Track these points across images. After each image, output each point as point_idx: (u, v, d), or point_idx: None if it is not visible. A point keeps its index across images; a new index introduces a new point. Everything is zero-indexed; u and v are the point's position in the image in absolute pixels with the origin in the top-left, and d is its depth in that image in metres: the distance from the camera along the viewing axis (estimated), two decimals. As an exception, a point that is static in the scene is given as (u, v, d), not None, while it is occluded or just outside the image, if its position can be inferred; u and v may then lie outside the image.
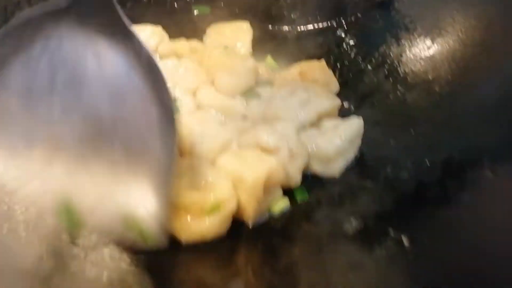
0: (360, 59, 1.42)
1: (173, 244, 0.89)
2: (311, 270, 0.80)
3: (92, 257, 0.80)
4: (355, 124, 1.10)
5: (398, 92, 1.29)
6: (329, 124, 1.12)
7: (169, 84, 1.10)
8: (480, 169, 0.95)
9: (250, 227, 0.96)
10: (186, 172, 0.94)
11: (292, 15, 1.55)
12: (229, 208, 0.90)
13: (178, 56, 1.28)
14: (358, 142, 1.13)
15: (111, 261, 0.81)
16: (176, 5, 1.56)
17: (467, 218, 0.82)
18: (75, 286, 0.75)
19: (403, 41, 1.36)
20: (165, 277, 0.82)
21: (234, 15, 1.53)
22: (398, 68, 1.34)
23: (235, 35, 1.38)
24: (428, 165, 1.04)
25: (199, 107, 1.16)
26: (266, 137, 1.01)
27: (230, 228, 0.94)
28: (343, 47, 1.46)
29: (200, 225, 0.88)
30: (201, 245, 0.90)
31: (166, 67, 1.21)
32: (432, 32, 1.31)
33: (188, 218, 0.88)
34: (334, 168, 1.08)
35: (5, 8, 1.19)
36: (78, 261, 0.79)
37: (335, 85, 1.33)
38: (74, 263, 0.78)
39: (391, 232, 0.85)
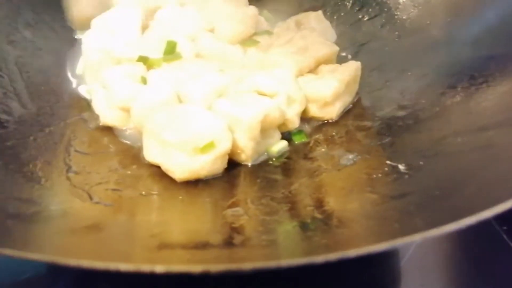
0: (356, 9, 1.40)
1: (169, 183, 0.90)
2: (309, 197, 0.81)
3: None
4: (352, 66, 1.10)
5: (395, 39, 1.29)
6: (326, 68, 1.12)
7: (170, 29, 1.12)
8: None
9: (249, 166, 0.97)
10: (182, 116, 0.94)
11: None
12: (223, 146, 0.91)
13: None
14: (355, 86, 1.13)
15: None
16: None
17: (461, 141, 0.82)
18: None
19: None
20: (164, 210, 0.83)
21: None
22: (395, 16, 1.33)
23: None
24: (425, 102, 1.04)
25: (198, 54, 1.15)
26: (264, 81, 1.01)
27: (229, 168, 0.95)
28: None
29: (194, 162, 0.89)
30: (196, 183, 0.91)
31: (166, 12, 1.19)
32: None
33: (183, 156, 0.89)
34: (332, 111, 1.08)
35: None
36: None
37: (332, 35, 1.31)
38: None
39: (388, 162, 0.86)
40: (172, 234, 0.72)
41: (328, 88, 1.04)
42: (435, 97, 1.03)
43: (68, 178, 0.83)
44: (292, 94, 1.01)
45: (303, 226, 0.70)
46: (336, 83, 1.04)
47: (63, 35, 1.26)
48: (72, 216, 0.72)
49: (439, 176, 0.75)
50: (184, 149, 0.88)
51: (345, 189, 0.83)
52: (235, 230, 0.71)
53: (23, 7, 1.21)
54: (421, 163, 0.81)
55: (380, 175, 0.83)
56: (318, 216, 0.72)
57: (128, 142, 1.02)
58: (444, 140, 0.85)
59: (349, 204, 0.75)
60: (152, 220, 0.79)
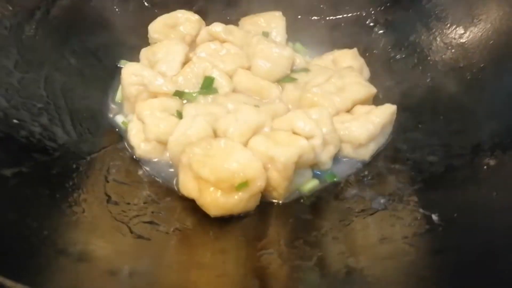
0: (390, 48, 1.42)
1: (202, 217, 0.92)
2: (342, 243, 0.82)
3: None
4: (388, 110, 1.11)
5: (427, 80, 1.29)
6: (362, 109, 1.13)
7: (209, 65, 1.16)
8: (508, 152, 0.94)
9: (280, 204, 0.99)
10: (219, 153, 0.97)
11: (321, 5, 1.56)
12: (257, 185, 0.93)
13: (217, 40, 1.31)
14: (389, 128, 1.14)
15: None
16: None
17: (496, 200, 0.82)
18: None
19: (434, 30, 1.35)
20: (197, 246, 0.85)
21: (264, 6, 1.55)
22: (428, 57, 1.33)
23: (268, 24, 1.40)
24: (457, 149, 1.04)
25: (235, 90, 1.19)
26: (302, 123, 1.02)
27: (260, 205, 0.97)
28: (372, 36, 1.47)
29: (229, 200, 0.91)
30: (229, 219, 0.93)
31: (207, 49, 1.24)
32: (465, 20, 1.30)
33: (218, 193, 0.91)
34: (365, 152, 1.09)
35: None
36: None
37: (367, 73, 1.34)
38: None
39: (420, 209, 0.86)
40: (204, 274, 0.74)
41: (364, 131, 1.06)
42: (468, 145, 1.03)
43: (109, 210, 0.86)
44: (328, 136, 1.02)
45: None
46: (372, 126, 1.06)
47: (106, 63, 1.31)
48: (115, 254, 0.74)
49: (476, 233, 0.75)
50: (220, 186, 0.91)
51: (378, 237, 0.83)
52: (270, 276, 0.72)
53: (70, 35, 1.26)
54: (455, 215, 0.81)
55: (413, 223, 0.83)
56: (352, 266, 0.72)
57: (163, 174, 1.05)
58: (479, 193, 0.85)
59: (383, 255, 0.75)
60: (186, 258, 0.81)
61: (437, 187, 0.93)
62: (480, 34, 1.28)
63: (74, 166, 0.96)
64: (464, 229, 0.77)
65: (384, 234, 0.83)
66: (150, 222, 0.87)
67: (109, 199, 0.89)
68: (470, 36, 1.28)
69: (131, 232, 0.82)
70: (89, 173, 0.96)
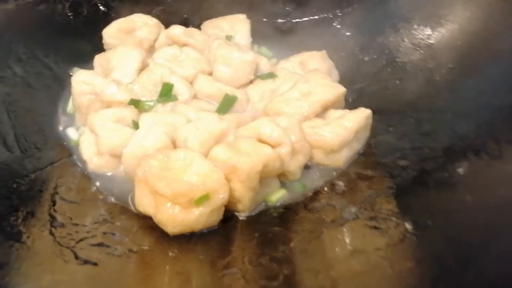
0: (358, 50, 1.38)
1: (161, 236, 0.84)
2: (311, 257, 0.76)
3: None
4: (361, 114, 1.05)
5: (397, 81, 1.26)
6: (335, 114, 1.07)
7: (167, 71, 1.08)
8: (481, 154, 0.91)
9: (245, 217, 0.92)
10: (177, 165, 0.89)
11: (287, 8, 1.52)
12: (219, 198, 0.85)
13: (176, 44, 1.24)
14: (365, 133, 1.09)
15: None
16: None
17: (471, 205, 0.77)
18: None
19: (401, 30, 1.32)
20: (154, 269, 0.77)
21: (228, 8, 1.50)
22: (397, 58, 1.30)
23: (232, 28, 1.34)
24: (429, 152, 1.00)
25: (196, 96, 1.12)
26: (269, 129, 0.95)
27: (224, 220, 0.89)
28: (339, 38, 1.43)
29: (189, 216, 0.83)
30: (190, 237, 0.85)
31: (165, 54, 1.16)
32: (432, 20, 1.27)
33: (176, 209, 0.83)
34: (338, 159, 1.03)
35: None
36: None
37: (336, 76, 1.29)
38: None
39: (393, 218, 0.81)
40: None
41: (335, 136, 1.00)
42: (440, 147, 0.99)
43: (51, 233, 0.77)
44: (297, 145, 0.96)
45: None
46: (344, 131, 1.00)
47: (57, 71, 1.22)
48: (54, 284, 0.65)
49: (451, 240, 0.69)
50: (178, 201, 0.83)
51: (350, 249, 0.77)
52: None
53: (15, 42, 1.17)
54: (429, 222, 0.76)
55: (386, 233, 0.77)
56: (322, 284, 0.66)
57: (117, 190, 0.96)
58: (453, 197, 0.81)
59: (355, 270, 0.69)
60: (142, 283, 0.72)
61: (410, 193, 0.89)
62: (447, 34, 1.25)
63: (14, 186, 0.86)
64: (440, 237, 0.72)
65: (355, 246, 0.77)
66: (100, 245, 0.79)
67: (53, 221, 0.80)
68: (438, 37, 1.26)
69: (76, 257, 0.73)
70: (32, 193, 0.86)
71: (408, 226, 0.77)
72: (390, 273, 0.67)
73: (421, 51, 1.27)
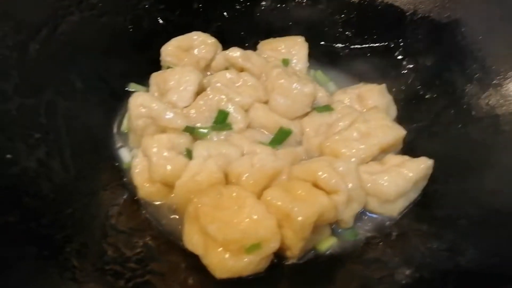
0: (419, 85, 1.31)
1: (206, 278, 0.83)
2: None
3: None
4: (422, 164, 1.00)
5: (459, 125, 1.18)
6: (394, 160, 1.02)
7: (224, 97, 1.06)
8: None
9: (292, 263, 0.89)
10: (229, 205, 0.87)
11: (346, 32, 1.46)
12: (270, 247, 0.83)
13: (233, 66, 1.22)
14: (423, 183, 1.03)
15: None
16: (226, 14, 1.50)
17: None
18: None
19: (469, 70, 1.23)
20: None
21: (286, 27, 1.46)
22: (461, 99, 1.22)
23: (289, 51, 1.30)
24: (492, 212, 0.93)
25: (250, 125, 1.09)
26: (327, 175, 0.91)
27: (272, 265, 0.87)
28: (400, 70, 1.36)
29: (238, 263, 0.82)
30: (236, 281, 0.83)
31: (223, 78, 1.14)
32: (504, 63, 1.18)
33: (226, 254, 0.82)
34: (393, 208, 0.99)
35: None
36: None
37: (394, 111, 1.23)
38: None
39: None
40: None
41: (393, 186, 0.95)
42: (505, 211, 0.92)
43: (103, 270, 0.77)
44: (353, 193, 0.92)
45: None
46: (403, 181, 0.96)
47: (114, 85, 1.22)
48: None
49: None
50: (229, 248, 0.81)
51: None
52: None
53: (78, 55, 1.17)
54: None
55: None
56: None
57: (165, 220, 0.96)
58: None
59: None
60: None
61: (471, 255, 0.82)
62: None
63: (70, 210, 0.86)
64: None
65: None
66: (147, 282, 0.78)
67: (103, 254, 0.80)
68: (510, 82, 1.17)
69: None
70: (85, 219, 0.87)
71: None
72: None
73: (490, 96, 1.19)
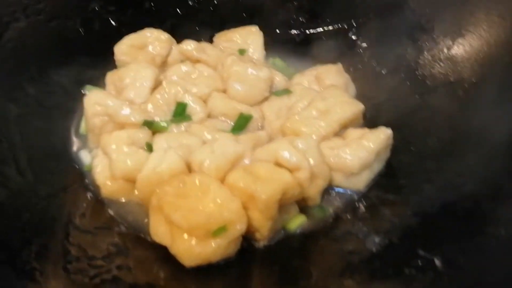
0: (375, 62, 1.33)
1: (177, 268, 0.81)
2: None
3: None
4: (382, 134, 1.01)
5: (416, 96, 1.21)
6: (355, 134, 1.03)
7: (180, 90, 1.05)
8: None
9: (264, 246, 0.88)
10: (193, 192, 0.86)
11: (300, 18, 1.48)
12: (237, 229, 0.82)
13: (189, 60, 1.21)
14: (386, 153, 1.05)
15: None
16: (179, 11, 1.48)
17: (506, 238, 0.73)
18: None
19: (420, 42, 1.27)
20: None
21: (240, 18, 1.46)
22: (416, 71, 1.25)
23: (245, 41, 1.30)
24: (455, 176, 0.95)
25: (210, 115, 1.09)
26: (287, 153, 0.91)
27: (242, 249, 0.86)
28: (355, 50, 1.38)
29: (206, 248, 0.80)
30: (208, 269, 0.82)
31: (178, 71, 1.13)
32: (452, 31, 1.22)
33: (193, 241, 0.81)
34: (359, 181, 0.99)
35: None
36: None
37: (353, 90, 1.25)
38: None
39: (420, 251, 0.77)
40: None
41: (356, 159, 0.96)
42: (467, 171, 0.94)
43: (65, 269, 0.74)
44: (316, 169, 0.92)
45: None
46: (365, 153, 0.96)
47: (69, 89, 1.19)
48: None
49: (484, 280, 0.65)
50: (195, 233, 0.80)
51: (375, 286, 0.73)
52: None
53: (28, 61, 1.14)
54: (461, 261, 0.72)
55: (413, 270, 0.73)
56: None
57: (131, 217, 0.93)
58: (485, 231, 0.76)
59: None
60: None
61: (437, 223, 0.84)
62: (469, 46, 1.20)
63: (28, 214, 0.83)
64: (472, 277, 0.68)
65: (381, 283, 0.73)
66: (115, 279, 0.76)
67: (67, 255, 0.77)
68: (459, 49, 1.21)
69: (91, 296, 0.70)
70: (45, 223, 0.84)
71: (437, 262, 0.73)
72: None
73: (442, 64, 1.22)
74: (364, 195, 1.00)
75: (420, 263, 0.74)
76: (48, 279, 0.71)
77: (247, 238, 0.89)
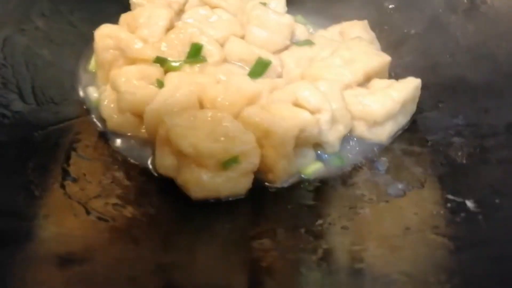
0: (403, 23, 1.26)
1: (183, 203, 0.75)
2: (354, 234, 0.65)
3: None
4: (410, 84, 0.94)
5: (447, 55, 1.13)
6: (381, 84, 0.96)
7: (196, 31, 1.00)
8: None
9: (276, 189, 0.82)
10: (205, 125, 0.80)
11: (326, -25, 1.40)
12: (249, 163, 0.76)
13: (208, 5, 1.15)
14: (412, 106, 0.97)
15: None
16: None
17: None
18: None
19: (451, 3, 1.19)
20: (173, 235, 0.68)
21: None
22: (447, 31, 1.17)
23: (269, -7, 1.24)
24: (488, 128, 0.88)
25: (226, 59, 1.02)
26: (307, 92, 0.84)
27: (252, 190, 0.80)
28: (383, 11, 1.31)
29: (214, 180, 0.74)
30: (215, 205, 0.76)
31: (195, 14, 1.08)
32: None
33: (201, 171, 0.74)
34: (381, 132, 0.92)
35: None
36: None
37: (377, 47, 1.18)
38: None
39: (450, 196, 0.70)
40: (183, 270, 0.57)
41: (380, 107, 0.89)
42: (501, 124, 0.87)
43: (62, 186, 0.69)
44: (337, 113, 0.85)
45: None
46: (390, 102, 0.89)
47: (81, 29, 1.14)
48: (62, 237, 0.57)
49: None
50: (204, 163, 0.74)
51: (400, 226, 0.66)
52: (264, 271, 0.55)
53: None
54: (497, 201, 0.64)
55: (443, 212, 0.66)
56: (369, 260, 0.56)
57: (136, 152, 0.88)
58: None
59: (407, 247, 0.59)
60: (158, 249, 0.63)
61: (467, 171, 0.77)
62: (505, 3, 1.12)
63: (28, 136, 0.78)
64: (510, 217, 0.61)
65: (407, 224, 0.66)
66: (115, 204, 0.70)
67: (65, 175, 0.72)
68: (494, 5, 1.12)
69: (88, 213, 0.64)
70: (46, 146, 0.79)
71: (469, 204, 0.66)
72: (452, 252, 0.56)
73: (475, 23, 1.14)
74: (386, 148, 0.93)
75: (449, 205, 0.67)
76: (43, 192, 0.66)
77: (259, 180, 0.82)
